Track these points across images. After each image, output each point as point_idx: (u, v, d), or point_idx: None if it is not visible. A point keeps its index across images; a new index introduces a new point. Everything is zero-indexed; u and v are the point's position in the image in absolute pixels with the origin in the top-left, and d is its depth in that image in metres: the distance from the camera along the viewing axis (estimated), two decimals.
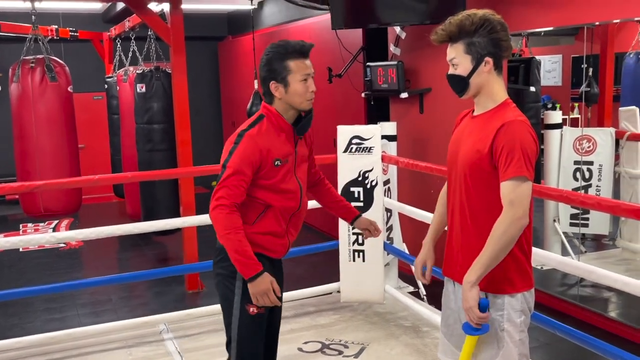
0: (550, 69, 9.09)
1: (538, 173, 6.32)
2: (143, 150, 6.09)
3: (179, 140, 5.20)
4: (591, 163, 5.47)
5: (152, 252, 6.84)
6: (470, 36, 2.11)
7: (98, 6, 8.40)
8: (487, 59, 2.12)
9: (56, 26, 7.62)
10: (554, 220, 5.57)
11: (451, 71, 2.19)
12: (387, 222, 4.97)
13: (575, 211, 5.55)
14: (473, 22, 2.10)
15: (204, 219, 4.83)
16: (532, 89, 5.59)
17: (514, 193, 2.04)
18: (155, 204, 6.08)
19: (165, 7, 5.13)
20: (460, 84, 2.18)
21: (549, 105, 10.11)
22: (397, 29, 5.36)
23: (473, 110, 2.28)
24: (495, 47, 2.12)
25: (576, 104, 6.98)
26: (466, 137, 2.22)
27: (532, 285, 2.24)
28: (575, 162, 5.53)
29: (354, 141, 4.50)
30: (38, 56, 4.69)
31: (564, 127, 5.57)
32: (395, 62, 5.14)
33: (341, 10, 4.90)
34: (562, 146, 5.52)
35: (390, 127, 4.98)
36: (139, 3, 4.98)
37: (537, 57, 6.42)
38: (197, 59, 10.27)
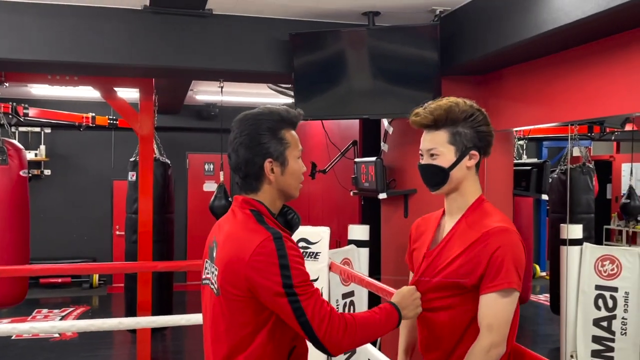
0: None
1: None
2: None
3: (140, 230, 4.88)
4: (615, 289, 4.52)
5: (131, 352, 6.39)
6: (456, 125, 1.89)
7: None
8: (473, 152, 1.90)
9: (93, 114, 7.87)
10: (572, 357, 4.59)
11: (427, 161, 1.93)
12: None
13: (597, 346, 4.56)
14: (461, 110, 1.88)
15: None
16: (544, 197, 4.78)
17: (494, 314, 1.77)
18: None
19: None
20: (438, 176, 1.92)
21: None
22: (385, 123, 4.83)
23: (443, 213, 2.01)
24: (481, 141, 1.91)
25: None
26: (443, 249, 1.92)
27: None
28: (597, 287, 4.59)
29: (299, 244, 3.93)
30: None
31: (585, 243, 4.68)
32: (373, 159, 4.56)
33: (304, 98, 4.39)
34: (581, 266, 4.63)
35: (360, 231, 4.36)
36: (108, 89, 4.82)
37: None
38: None
